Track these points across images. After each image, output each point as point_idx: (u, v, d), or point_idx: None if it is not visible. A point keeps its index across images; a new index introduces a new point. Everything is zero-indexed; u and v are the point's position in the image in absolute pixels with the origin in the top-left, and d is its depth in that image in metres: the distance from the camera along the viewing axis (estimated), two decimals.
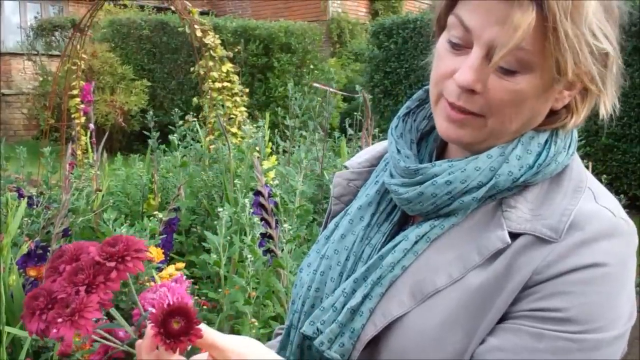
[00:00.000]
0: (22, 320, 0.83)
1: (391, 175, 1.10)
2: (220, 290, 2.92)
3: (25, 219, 3.40)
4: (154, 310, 0.95)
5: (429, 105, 1.12)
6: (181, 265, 3.03)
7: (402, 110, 1.17)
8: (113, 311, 0.90)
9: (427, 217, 1.06)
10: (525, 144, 1.02)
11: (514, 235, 0.98)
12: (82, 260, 0.85)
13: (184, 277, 2.91)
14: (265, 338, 2.71)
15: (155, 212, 3.18)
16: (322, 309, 1.06)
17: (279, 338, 1.33)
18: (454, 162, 1.03)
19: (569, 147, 1.05)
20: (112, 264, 0.83)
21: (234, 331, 2.87)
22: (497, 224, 1.00)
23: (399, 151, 1.10)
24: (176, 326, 0.83)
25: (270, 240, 3.00)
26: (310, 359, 1.10)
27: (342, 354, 1.02)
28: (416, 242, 1.04)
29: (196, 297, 2.89)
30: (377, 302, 1.02)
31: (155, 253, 2.92)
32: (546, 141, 1.03)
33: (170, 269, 2.99)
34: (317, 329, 1.05)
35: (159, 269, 2.97)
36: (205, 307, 2.88)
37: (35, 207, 3.72)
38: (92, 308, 0.79)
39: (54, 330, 0.79)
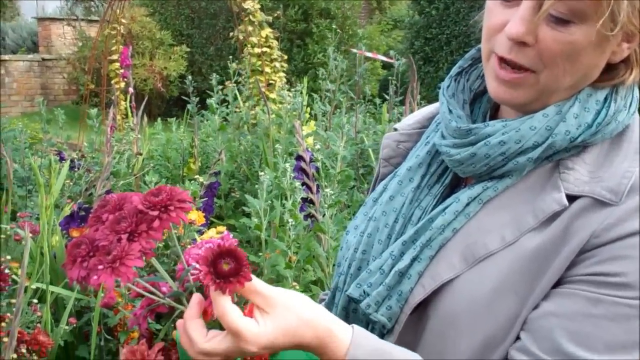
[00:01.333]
0: (63, 268, 0.80)
1: (442, 137, 1.05)
2: (261, 254, 2.90)
3: (67, 181, 3.42)
4: (197, 266, 0.93)
5: (482, 64, 1.07)
6: (222, 228, 3.01)
7: (454, 70, 1.12)
8: (155, 264, 0.87)
9: (480, 179, 1.01)
10: (583, 101, 0.96)
11: (571, 198, 0.93)
12: (125, 209, 0.82)
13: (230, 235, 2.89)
14: None
15: (196, 176, 3.17)
16: (369, 271, 1.03)
17: (323, 303, 1.30)
18: (508, 122, 0.98)
19: (630, 105, 0.99)
20: (155, 213, 0.80)
21: None
22: (553, 186, 0.95)
23: (450, 111, 1.05)
24: (226, 267, 0.81)
25: (312, 205, 2.97)
26: (356, 322, 1.07)
27: (389, 317, 0.99)
28: (468, 204, 0.99)
29: None
30: (426, 265, 0.99)
31: (197, 216, 2.91)
32: (605, 98, 0.97)
33: (212, 232, 2.97)
34: (364, 292, 1.02)
35: (200, 232, 2.97)
36: None
37: (76, 170, 3.74)
38: (134, 256, 0.77)
39: (95, 277, 0.76)
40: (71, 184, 3.38)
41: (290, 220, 2.80)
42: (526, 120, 0.97)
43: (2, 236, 2.59)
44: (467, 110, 1.07)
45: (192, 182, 3.06)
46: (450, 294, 0.96)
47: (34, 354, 2.09)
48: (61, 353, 2.44)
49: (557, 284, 0.91)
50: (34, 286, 2.42)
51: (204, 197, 3.06)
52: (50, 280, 2.62)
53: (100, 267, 0.76)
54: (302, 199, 2.94)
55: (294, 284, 2.66)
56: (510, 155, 0.97)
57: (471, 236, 0.98)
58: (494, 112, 1.09)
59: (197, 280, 0.89)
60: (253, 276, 0.83)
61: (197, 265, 0.92)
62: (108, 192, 2.74)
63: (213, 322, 0.88)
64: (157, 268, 0.89)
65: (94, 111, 4.15)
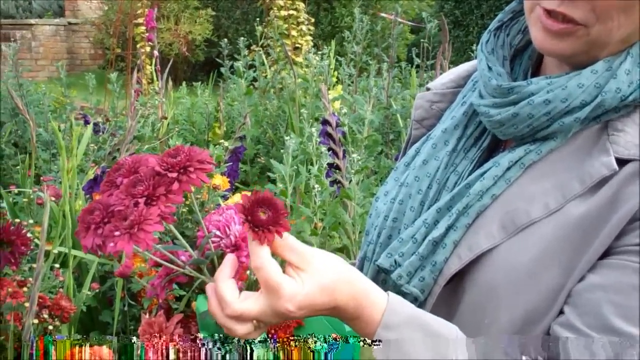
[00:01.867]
0: (76, 236, 0.75)
1: (481, 96, 0.98)
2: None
3: (92, 145, 3.39)
4: (219, 233, 0.87)
5: (523, 18, 1.00)
6: (247, 193, 2.97)
7: (494, 24, 1.04)
8: (173, 230, 0.82)
9: (522, 142, 0.95)
10: (636, 56, 0.89)
11: (620, 162, 0.87)
12: (141, 172, 0.76)
13: None
14: None
15: (221, 141, 3.12)
16: (401, 240, 0.97)
17: None
18: (553, 79, 0.91)
19: None
20: (174, 174, 0.74)
21: None
22: (602, 149, 0.89)
23: (490, 68, 0.98)
24: (263, 216, 0.76)
25: (338, 171, 2.91)
26: None
27: (421, 289, 0.93)
28: (508, 169, 0.93)
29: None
30: (462, 233, 0.93)
31: (221, 181, 2.87)
32: None
33: (236, 197, 2.93)
34: (395, 262, 0.96)
35: (225, 198, 2.92)
36: None
37: (101, 134, 3.71)
38: (153, 221, 0.71)
39: (111, 244, 0.71)
40: (95, 148, 3.36)
41: (316, 186, 2.75)
42: (573, 77, 0.90)
43: (24, 200, 2.56)
44: (508, 67, 1.00)
45: (217, 146, 3.02)
46: (489, 265, 0.89)
47: (56, 319, 2.07)
48: (84, 318, 2.43)
49: (605, 254, 0.85)
50: (56, 250, 2.40)
51: (229, 162, 3.02)
52: (73, 244, 2.59)
53: (117, 233, 0.71)
54: (328, 164, 2.88)
55: None
56: (556, 115, 0.90)
57: (512, 203, 0.91)
58: (536, 69, 1.01)
59: (217, 248, 0.84)
60: (290, 235, 0.78)
61: (218, 232, 0.87)
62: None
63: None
64: (175, 235, 0.83)
65: (114, 75, 4.11)
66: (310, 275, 0.79)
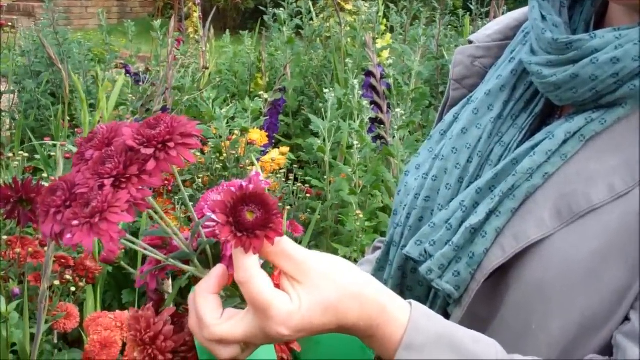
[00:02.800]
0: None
1: (532, 52, 0.82)
2: (325, 177, 2.72)
3: (130, 95, 3.29)
4: (214, 217, 0.74)
5: None
6: (286, 149, 2.84)
7: None
8: (157, 212, 0.69)
9: (582, 109, 0.79)
10: None
11: None
12: (114, 145, 0.63)
13: (287, 160, 2.70)
14: (370, 232, 2.51)
15: (260, 92, 2.98)
16: (433, 225, 0.82)
17: (378, 253, 1.11)
18: (623, 32, 0.75)
19: None
20: (150, 150, 0.61)
21: (338, 222, 2.69)
22: None
23: (543, 18, 0.81)
24: (250, 217, 0.61)
25: (381, 126, 2.76)
26: (414, 283, 0.88)
27: (456, 286, 0.79)
28: (565, 142, 0.77)
29: (299, 184, 2.71)
30: (506, 220, 0.78)
31: (258, 136, 2.75)
32: None
33: (274, 153, 2.81)
34: (425, 251, 0.81)
35: (263, 153, 2.80)
36: (308, 195, 2.69)
37: (141, 84, 3.61)
38: (120, 209, 0.58)
39: (68, 236, 0.58)
40: (134, 99, 3.25)
41: (356, 142, 2.60)
42: None
43: (53, 154, 2.49)
44: (566, 16, 0.83)
45: (256, 98, 2.88)
46: (539, 259, 0.75)
47: (81, 280, 1.99)
48: (110, 279, 2.35)
49: None
50: None
51: (268, 115, 2.88)
52: None
53: (75, 222, 0.58)
54: (370, 119, 2.73)
55: (358, 212, 2.48)
56: (625, 77, 0.74)
57: (568, 184, 0.76)
58: (599, 19, 0.85)
59: (211, 235, 0.71)
60: (284, 237, 0.64)
61: (213, 216, 0.74)
62: (164, 109, 2.58)
63: (230, 289, 0.70)
64: (161, 216, 0.70)
65: (157, 23, 3.98)
66: (309, 289, 0.65)
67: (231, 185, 0.78)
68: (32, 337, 1.91)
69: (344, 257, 2.51)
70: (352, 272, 0.68)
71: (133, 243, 0.66)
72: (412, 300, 0.70)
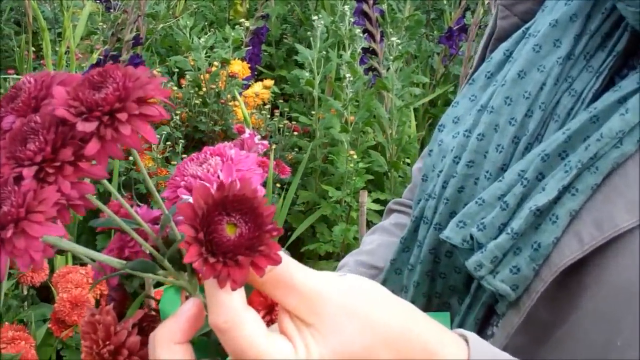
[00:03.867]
0: None
1: None
2: (313, 113, 2.52)
3: (101, 23, 3.03)
4: (191, 201, 0.54)
5: None
6: (270, 82, 2.63)
7: None
8: (115, 193, 0.50)
9: None
10: None
11: None
12: (41, 113, 0.43)
13: (270, 95, 2.47)
14: (363, 172, 2.33)
15: (242, 20, 2.74)
16: (481, 202, 0.63)
17: (394, 218, 0.91)
18: None
19: None
20: (91, 126, 0.41)
21: (327, 161, 2.50)
22: None
23: None
24: (231, 233, 0.41)
25: (374, 57, 2.54)
26: (449, 270, 0.69)
27: (514, 285, 0.60)
28: None
29: (286, 121, 2.50)
30: (584, 200, 0.59)
31: (240, 68, 2.53)
32: None
33: (258, 86, 2.60)
34: (471, 237, 0.62)
35: (246, 86, 2.59)
36: (295, 132, 2.49)
37: (113, 10, 3.33)
38: (44, 215, 0.39)
39: None
40: (105, 27, 2.99)
41: (347, 74, 2.39)
42: None
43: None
44: None
45: (237, 27, 2.64)
46: (629, 254, 0.56)
47: None
48: (84, 222, 2.17)
49: None
50: None
51: (250, 44, 2.65)
52: None
53: None
54: (362, 48, 2.51)
55: (352, 152, 2.29)
56: None
57: None
58: None
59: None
60: (284, 254, 0.43)
61: (190, 200, 0.54)
62: (137, 39, 2.34)
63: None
64: (121, 203, 0.51)
65: None
66: (323, 334, 0.44)
67: (217, 153, 0.59)
68: None
69: (336, 202, 2.34)
70: (387, 302, 0.47)
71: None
72: (468, 335, 0.50)
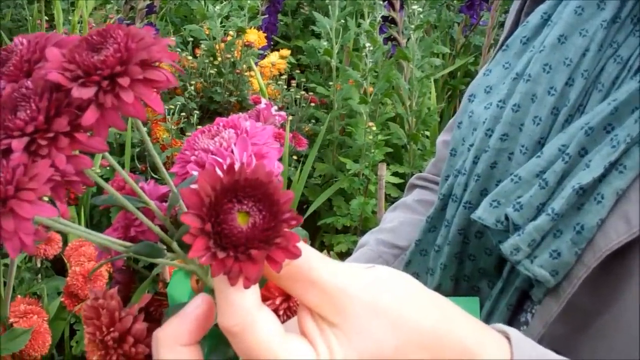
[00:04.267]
0: None
1: None
2: (331, 84, 2.46)
3: None
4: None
5: None
6: (286, 52, 2.57)
7: None
8: (117, 166, 0.45)
9: None
10: None
11: None
12: (33, 77, 0.39)
13: (287, 65, 2.41)
14: (382, 145, 2.27)
15: None
16: (517, 179, 0.58)
17: (416, 195, 0.86)
18: None
19: None
20: (89, 92, 0.36)
21: (345, 133, 2.44)
22: None
23: None
24: (243, 223, 0.36)
25: (393, 26, 2.47)
26: (479, 252, 0.65)
27: (553, 271, 0.56)
28: None
29: (302, 92, 2.45)
30: (633, 177, 0.54)
31: (256, 37, 2.47)
32: None
33: (274, 56, 2.53)
34: (506, 218, 0.58)
35: (261, 57, 2.53)
36: (312, 103, 2.44)
37: None
38: (36, 193, 0.35)
39: None
40: None
41: (367, 44, 2.32)
42: None
43: None
44: None
45: None
46: None
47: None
48: (98, 193, 2.14)
49: None
50: None
51: (266, 13, 2.59)
52: None
53: None
54: (382, 17, 2.44)
55: (370, 123, 2.23)
56: None
57: None
58: None
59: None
60: (304, 245, 0.38)
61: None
62: (151, 7, 2.29)
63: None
64: (121, 175, 0.46)
65: None
66: (348, 335, 0.39)
67: (230, 125, 0.54)
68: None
69: (354, 175, 2.29)
70: (420, 298, 0.41)
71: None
72: (510, 331, 0.44)
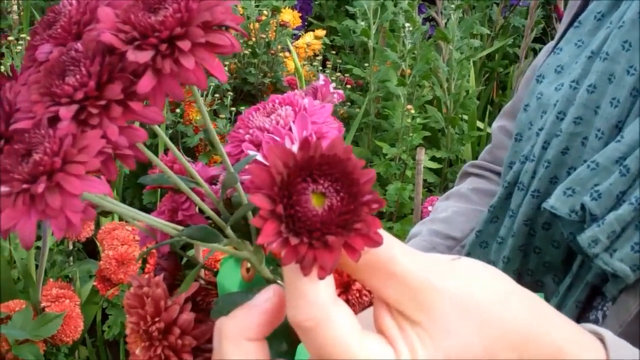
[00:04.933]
0: None
1: None
2: (367, 65, 2.40)
3: None
4: (260, 158, 0.45)
5: None
6: (321, 32, 2.51)
7: None
8: (172, 150, 0.41)
9: None
10: None
11: None
12: (84, 40, 0.35)
13: (321, 46, 2.36)
14: (419, 128, 2.22)
15: None
16: (595, 165, 0.54)
17: (470, 183, 0.81)
18: None
19: None
20: (145, 55, 0.32)
21: (381, 116, 2.39)
22: None
23: None
24: (318, 205, 0.32)
25: (432, 6, 2.41)
26: (546, 245, 0.60)
27: (634, 265, 0.51)
28: None
29: (338, 73, 2.39)
30: None
31: (291, 17, 2.42)
32: None
33: (309, 37, 2.48)
34: (583, 207, 0.53)
35: (296, 37, 2.48)
36: (348, 85, 2.38)
37: None
38: (85, 167, 0.31)
39: None
40: None
41: (406, 24, 2.26)
42: None
43: None
44: None
45: None
46: None
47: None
48: (130, 175, 2.11)
49: None
50: None
51: None
52: None
53: (4, 189, 0.31)
54: None
55: (409, 106, 2.18)
56: None
57: None
58: None
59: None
60: (384, 232, 0.34)
61: (258, 156, 0.45)
62: None
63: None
64: (177, 157, 0.42)
65: None
66: (434, 337, 0.34)
67: (287, 102, 0.49)
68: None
69: (390, 159, 2.24)
70: (513, 295, 0.37)
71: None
72: (605, 336, 0.39)
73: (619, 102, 0.56)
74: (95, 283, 1.72)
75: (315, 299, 0.32)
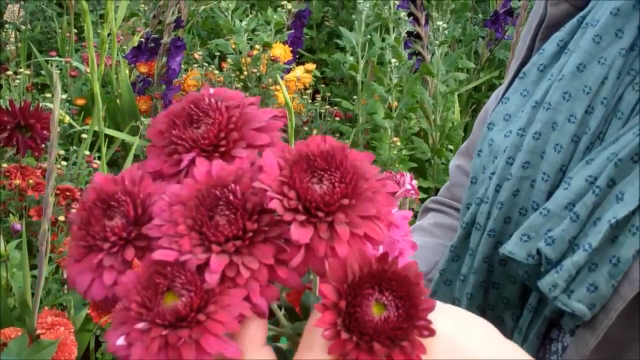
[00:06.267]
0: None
1: None
2: (355, 98, 2.47)
3: (143, 5, 2.95)
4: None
5: None
6: (312, 66, 2.57)
7: None
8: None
9: None
10: None
11: None
12: (243, 186, 0.37)
13: (312, 78, 2.41)
14: (406, 159, 2.29)
15: (283, 2, 2.68)
16: (546, 212, 0.59)
17: (432, 218, 0.85)
18: None
19: None
20: (307, 234, 0.35)
21: (369, 147, 2.46)
22: None
23: None
24: (376, 314, 0.36)
25: (418, 41, 2.49)
26: (504, 280, 0.65)
27: (590, 304, 0.56)
28: None
29: (327, 106, 2.46)
30: None
31: (282, 51, 2.47)
32: None
33: (299, 70, 2.54)
34: (538, 252, 0.58)
35: (287, 71, 2.54)
36: (337, 117, 2.45)
37: None
38: (224, 327, 0.35)
39: (120, 341, 0.35)
40: (146, 9, 2.91)
41: (392, 59, 2.34)
42: None
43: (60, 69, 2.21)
44: None
45: (278, 9, 2.58)
46: None
47: None
48: None
49: None
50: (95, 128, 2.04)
51: (292, 27, 2.60)
52: (110, 124, 2.24)
53: (141, 326, 0.35)
54: (407, 32, 2.45)
55: (395, 139, 2.25)
56: None
57: None
58: None
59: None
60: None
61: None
62: (178, 21, 2.30)
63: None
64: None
65: None
66: None
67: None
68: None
69: None
70: (496, 343, 0.41)
71: None
72: None
73: (562, 148, 0.61)
74: (89, 311, 1.74)
75: None
